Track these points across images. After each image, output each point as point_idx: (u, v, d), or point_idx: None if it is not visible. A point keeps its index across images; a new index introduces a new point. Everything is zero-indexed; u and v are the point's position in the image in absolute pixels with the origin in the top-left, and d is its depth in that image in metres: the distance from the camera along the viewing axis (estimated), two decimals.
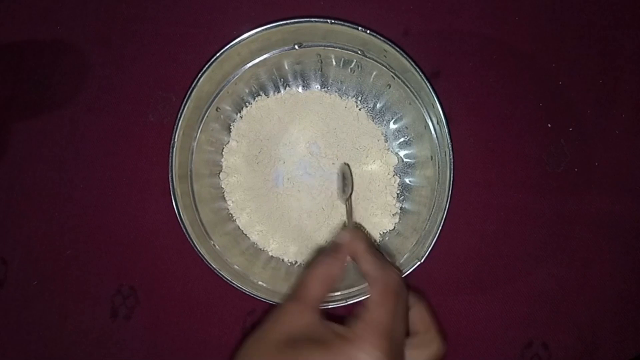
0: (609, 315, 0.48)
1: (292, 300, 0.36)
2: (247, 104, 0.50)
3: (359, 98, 0.49)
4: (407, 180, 0.49)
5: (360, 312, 0.33)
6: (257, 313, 0.50)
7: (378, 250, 0.43)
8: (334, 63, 0.48)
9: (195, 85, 0.44)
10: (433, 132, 0.45)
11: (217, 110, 0.48)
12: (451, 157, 0.42)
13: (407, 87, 0.46)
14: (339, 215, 0.48)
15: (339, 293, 0.44)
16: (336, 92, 0.49)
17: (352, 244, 0.38)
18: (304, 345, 0.32)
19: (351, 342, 0.32)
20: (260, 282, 0.46)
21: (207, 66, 0.44)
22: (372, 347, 0.31)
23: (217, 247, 0.46)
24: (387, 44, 0.42)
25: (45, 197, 0.52)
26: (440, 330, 0.38)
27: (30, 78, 0.53)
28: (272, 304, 0.44)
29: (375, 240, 0.48)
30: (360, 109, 0.49)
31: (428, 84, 0.42)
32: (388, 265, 0.37)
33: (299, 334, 0.33)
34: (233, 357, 0.35)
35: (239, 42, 0.44)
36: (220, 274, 0.43)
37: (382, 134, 0.49)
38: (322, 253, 0.38)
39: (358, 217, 0.48)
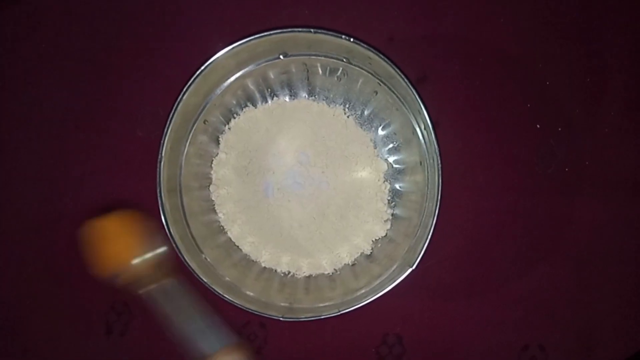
0: (605, 314, 0.48)
1: None
2: (235, 115, 0.49)
3: (347, 105, 0.49)
4: (397, 186, 0.49)
5: None
6: (251, 325, 0.50)
7: None
8: (320, 72, 0.48)
9: (181, 99, 0.44)
10: (421, 137, 0.45)
11: (204, 122, 0.48)
12: (439, 162, 0.42)
13: (394, 93, 0.46)
14: (330, 224, 0.48)
15: (331, 303, 0.44)
16: (324, 100, 0.49)
17: None
18: None
19: None
20: (253, 295, 0.45)
21: (192, 80, 0.44)
22: None
23: (208, 260, 0.46)
24: (371, 51, 0.42)
25: (35, 215, 0.52)
26: None
27: (15, 97, 0.53)
28: (266, 317, 0.43)
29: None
30: (348, 117, 0.49)
31: (413, 90, 0.42)
32: None
33: None
34: None
35: (224, 54, 0.44)
36: (212, 288, 0.43)
37: (371, 140, 0.49)
38: None
39: (350, 225, 0.48)
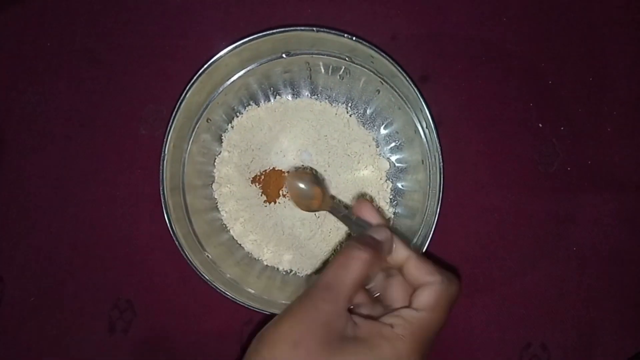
0: (607, 313, 0.48)
1: (325, 290, 0.32)
2: (237, 114, 0.50)
3: (349, 104, 0.49)
4: (399, 185, 0.49)
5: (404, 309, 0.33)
6: (253, 323, 0.50)
7: None
8: (323, 70, 0.48)
9: (184, 97, 0.44)
10: (423, 136, 0.45)
11: (207, 121, 0.48)
12: (441, 161, 0.42)
13: (396, 92, 0.46)
14: (332, 222, 0.48)
15: None
16: (326, 99, 0.50)
17: (390, 242, 0.35)
18: (346, 345, 0.30)
19: (390, 343, 0.31)
20: (255, 292, 0.46)
21: (195, 78, 0.44)
22: (411, 353, 0.31)
23: (211, 258, 0.46)
24: (374, 50, 0.42)
25: (40, 213, 0.52)
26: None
27: (19, 96, 0.53)
28: (268, 314, 0.43)
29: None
30: (350, 115, 0.49)
31: (415, 89, 0.42)
32: (447, 272, 0.35)
33: (337, 330, 0.31)
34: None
35: (227, 52, 0.44)
36: (215, 285, 0.43)
37: (373, 139, 0.49)
38: (357, 244, 0.33)
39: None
